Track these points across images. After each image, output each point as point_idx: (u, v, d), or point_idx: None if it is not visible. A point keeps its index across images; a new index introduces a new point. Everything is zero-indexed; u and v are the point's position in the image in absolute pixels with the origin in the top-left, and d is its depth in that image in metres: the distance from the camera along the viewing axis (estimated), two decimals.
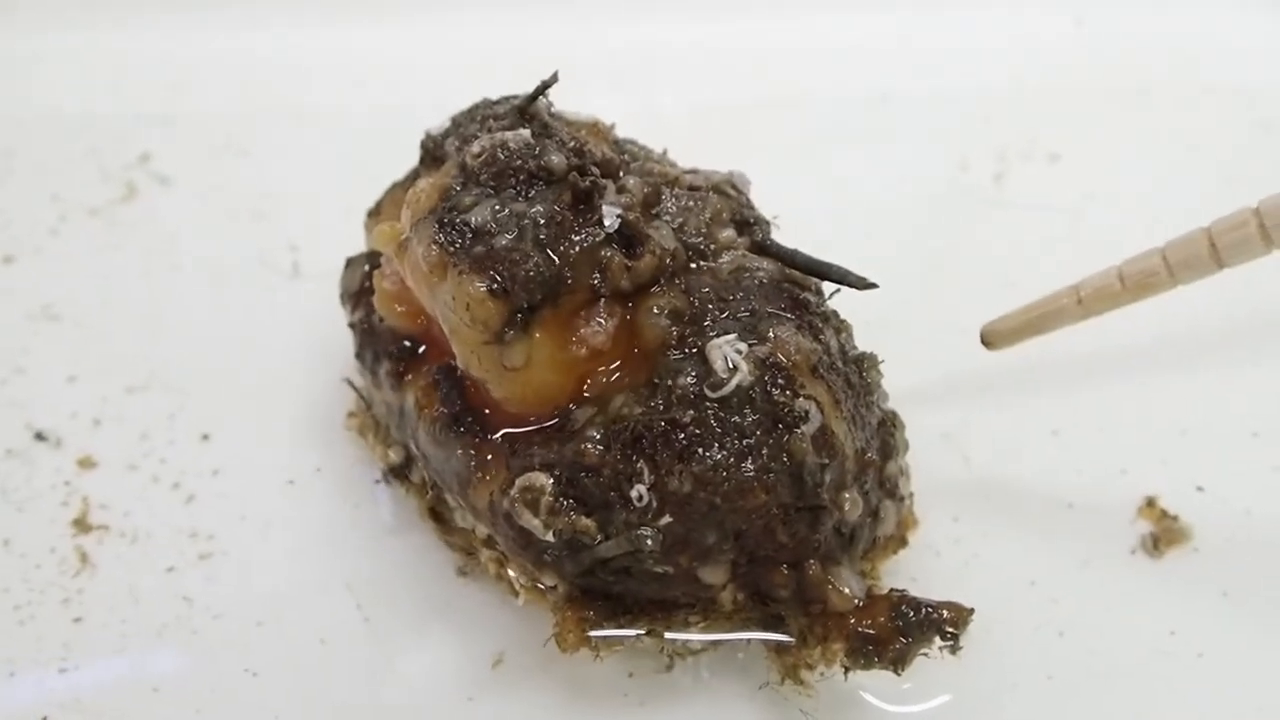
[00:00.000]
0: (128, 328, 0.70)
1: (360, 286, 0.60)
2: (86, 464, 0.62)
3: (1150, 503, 0.60)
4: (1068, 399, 0.65)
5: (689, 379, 0.47)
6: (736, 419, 0.46)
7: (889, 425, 0.53)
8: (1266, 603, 0.56)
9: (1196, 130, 0.86)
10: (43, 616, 0.55)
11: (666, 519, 0.45)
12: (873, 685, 0.51)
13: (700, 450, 0.45)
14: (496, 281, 0.46)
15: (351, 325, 0.60)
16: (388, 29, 0.94)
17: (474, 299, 0.47)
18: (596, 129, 0.56)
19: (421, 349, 0.55)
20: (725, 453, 0.45)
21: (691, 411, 0.46)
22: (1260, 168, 0.82)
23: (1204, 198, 0.79)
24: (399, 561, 0.58)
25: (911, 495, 0.54)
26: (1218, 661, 0.54)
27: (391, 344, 0.56)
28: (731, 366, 0.46)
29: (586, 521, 0.46)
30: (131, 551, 0.58)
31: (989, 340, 0.60)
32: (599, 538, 0.46)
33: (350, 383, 0.62)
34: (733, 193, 0.55)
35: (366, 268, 0.60)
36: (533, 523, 0.46)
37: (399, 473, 0.58)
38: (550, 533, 0.46)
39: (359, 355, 0.59)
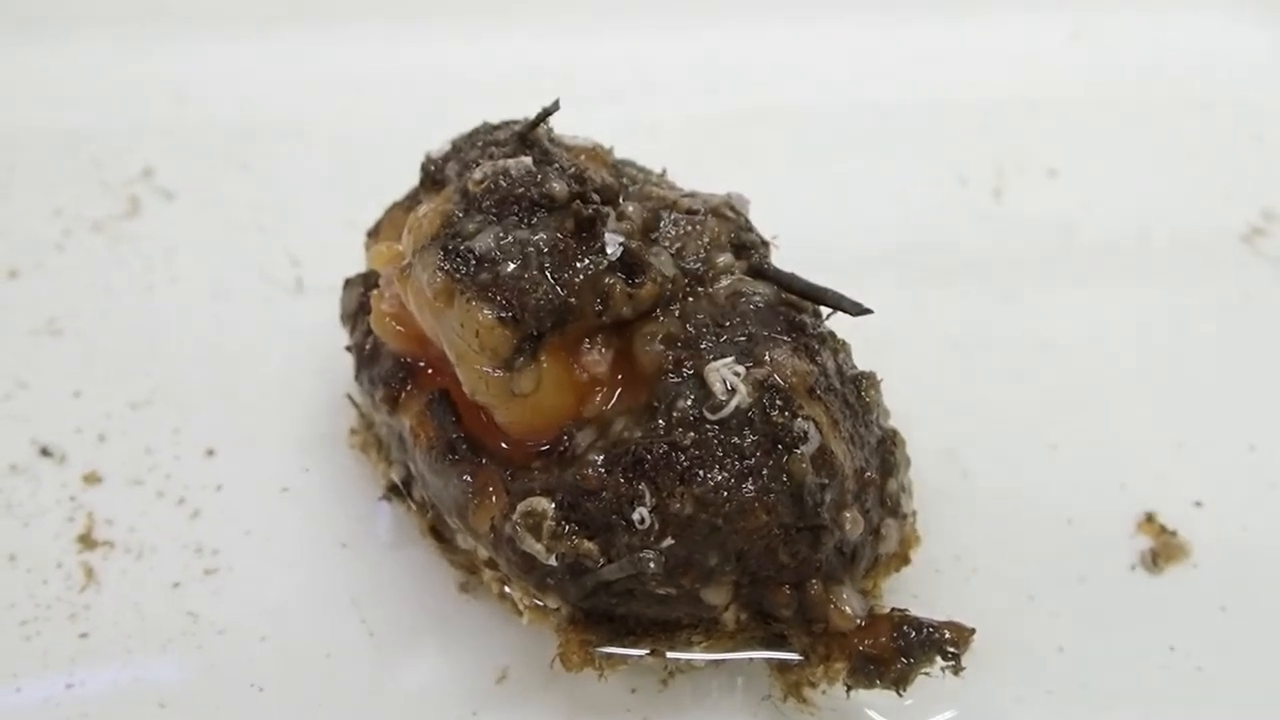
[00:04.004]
0: (131, 342, 0.71)
1: (358, 307, 0.60)
2: (91, 479, 0.62)
3: (1149, 518, 0.60)
4: (1066, 414, 0.65)
5: (687, 402, 0.47)
6: (736, 440, 0.46)
7: (889, 443, 0.53)
8: (1265, 618, 0.56)
9: (1193, 143, 0.86)
10: (49, 632, 0.56)
11: (669, 541, 0.46)
12: (876, 702, 0.52)
13: (701, 472, 0.46)
14: (506, 309, 0.47)
15: (348, 348, 0.60)
16: (389, 44, 0.94)
17: (484, 326, 0.47)
18: (595, 154, 0.56)
19: (415, 373, 0.55)
20: (726, 474, 0.46)
21: (692, 434, 0.46)
22: (1258, 181, 0.83)
23: (1201, 211, 0.80)
24: (404, 576, 0.58)
25: (914, 513, 0.55)
26: (1217, 677, 0.54)
27: (386, 369, 0.56)
28: (730, 389, 0.47)
29: (589, 545, 0.46)
30: (137, 567, 0.58)
31: None
32: (601, 561, 0.46)
33: (351, 399, 0.62)
34: (731, 215, 0.55)
35: (363, 289, 0.60)
36: (535, 547, 0.47)
37: (400, 491, 0.59)
38: (552, 556, 0.47)
39: (358, 377, 0.59)
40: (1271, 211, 0.79)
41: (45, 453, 0.63)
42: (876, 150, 0.87)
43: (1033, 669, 0.54)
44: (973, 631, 0.48)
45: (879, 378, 0.54)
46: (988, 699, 0.53)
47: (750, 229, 0.56)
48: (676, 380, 0.48)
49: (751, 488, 0.46)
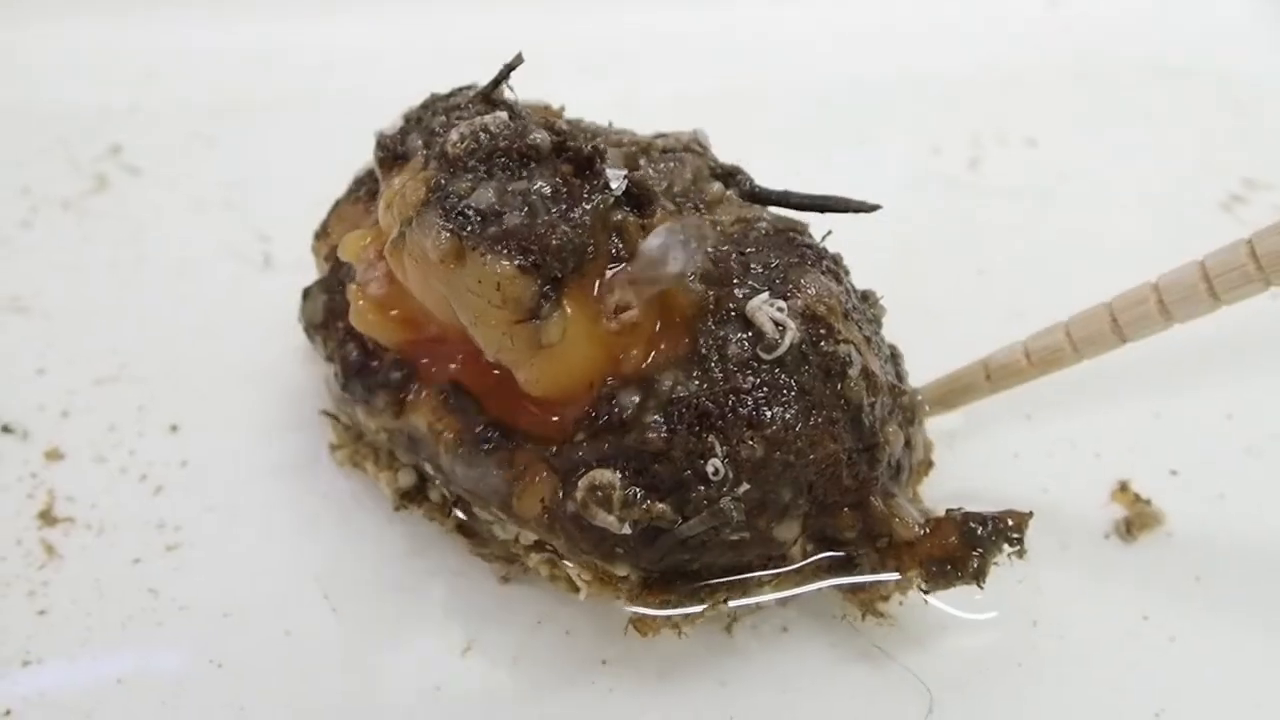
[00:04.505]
0: (97, 319, 0.70)
1: (326, 315, 0.58)
2: (54, 456, 0.62)
3: (1123, 487, 0.59)
4: (1040, 383, 0.64)
5: (738, 346, 0.47)
6: (795, 377, 0.47)
7: (896, 356, 0.55)
8: (1239, 587, 0.56)
9: (1172, 112, 0.86)
10: (7, 609, 0.55)
11: (745, 487, 0.46)
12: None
13: (768, 413, 0.46)
14: (525, 255, 0.45)
15: (329, 359, 0.58)
16: (357, 18, 0.93)
17: (504, 277, 0.45)
18: (549, 112, 0.55)
19: (415, 370, 0.53)
20: (791, 411, 0.46)
21: (750, 377, 0.46)
22: (1235, 149, 0.82)
23: (1179, 179, 0.80)
24: (367, 552, 0.57)
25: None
26: (1190, 646, 0.53)
27: (384, 373, 0.54)
28: (780, 326, 0.47)
29: (662, 507, 0.46)
30: (98, 543, 0.58)
31: None
32: (678, 520, 0.46)
33: (330, 415, 0.61)
34: (700, 149, 0.55)
35: (325, 297, 0.59)
36: (608, 520, 0.46)
37: (414, 496, 0.57)
38: (625, 525, 0.46)
39: (346, 388, 0.56)
40: (1251, 179, 0.78)
41: (6, 430, 0.63)
42: (851, 122, 0.86)
43: (1002, 638, 0.53)
44: (1030, 514, 0.50)
45: (879, 295, 0.55)
46: (957, 667, 0.52)
47: (719, 161, 0.56)
48: (716, 323, 0.48)
49: (818, 419, 0.47)
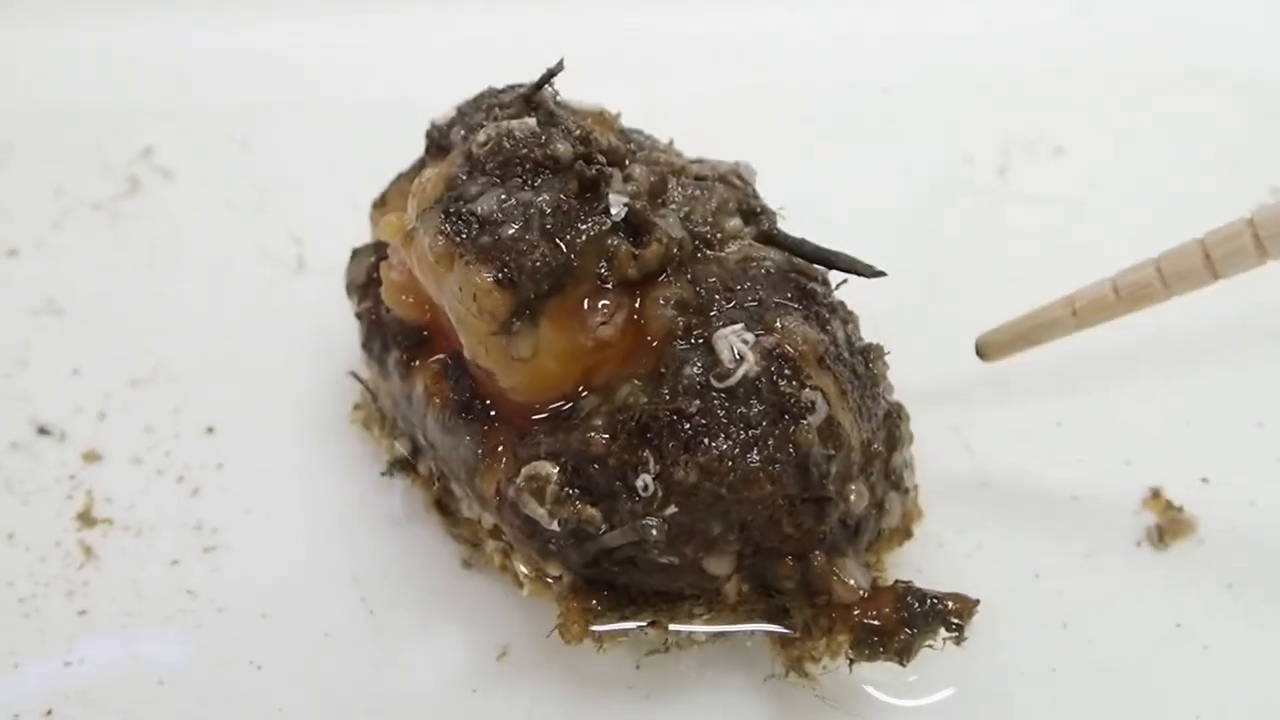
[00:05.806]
0: (131, 321, 0.70)
1: (367, 278, 0.60)
2: (91, 457, 0.62)
3: (1155, 494, 0.59)
4: (1071, 390, 0.65)
5: (695, 369, 0.46)
6: (742, 409, 0.46)
7: (894, 417, 0.53)
8: (1272, 594, 0.56)
9: (1202, 120, 0.85)
10: (47, 609, 0.55)
11: (672, 509, 0.45)
12: (876, 677, 0.51)
13: (706, 440, 0.45)
14: (503, 272, 0.46)
15: (359, 315, 0.60)
16: (390, 21, 0.94)
17: (481, 290, 0.46)
18: (602, 118, 0.56)
19: (429, 338, 0.55)
20: (731, 443, 0.45)
21: (697, 401, 0.46)
22: (1266, 158, 0.82)
23: (1210, 188, 0.80)
24: (404, 554, 0.58)
25: (916, 487, 0.54)
26: (1223, 653, 0.53)
27: (400, 333, 0.55)
28: (738, 356, 0.46)
29: (591, 511, 0.46)
30: (136, 544, 0.58)
31: (983, 352, 0.60)
32: (604, 527, 0.46)
33: (355, 375, 0.62)
34: (739, 183, 0.55)
35: (373, 259, 0.60)
36: (538, 511, 0.46)
37: (405, 465, 0.58)
38: (555, 522, 0.46)
39: (366, 345, 0.58)
40: None
41: (44, 431, 0.63)
42: (881, 129, 0.86)
43: (1036, 646, 0.54)
44: (976, 602, 0.47)
45: (885, 350, 0.53)
46: (990, 677, 0.52)
47: (757, 196, 0.56)
48: (685, 346, 0.47)
49: (756, 457, 0.45)
